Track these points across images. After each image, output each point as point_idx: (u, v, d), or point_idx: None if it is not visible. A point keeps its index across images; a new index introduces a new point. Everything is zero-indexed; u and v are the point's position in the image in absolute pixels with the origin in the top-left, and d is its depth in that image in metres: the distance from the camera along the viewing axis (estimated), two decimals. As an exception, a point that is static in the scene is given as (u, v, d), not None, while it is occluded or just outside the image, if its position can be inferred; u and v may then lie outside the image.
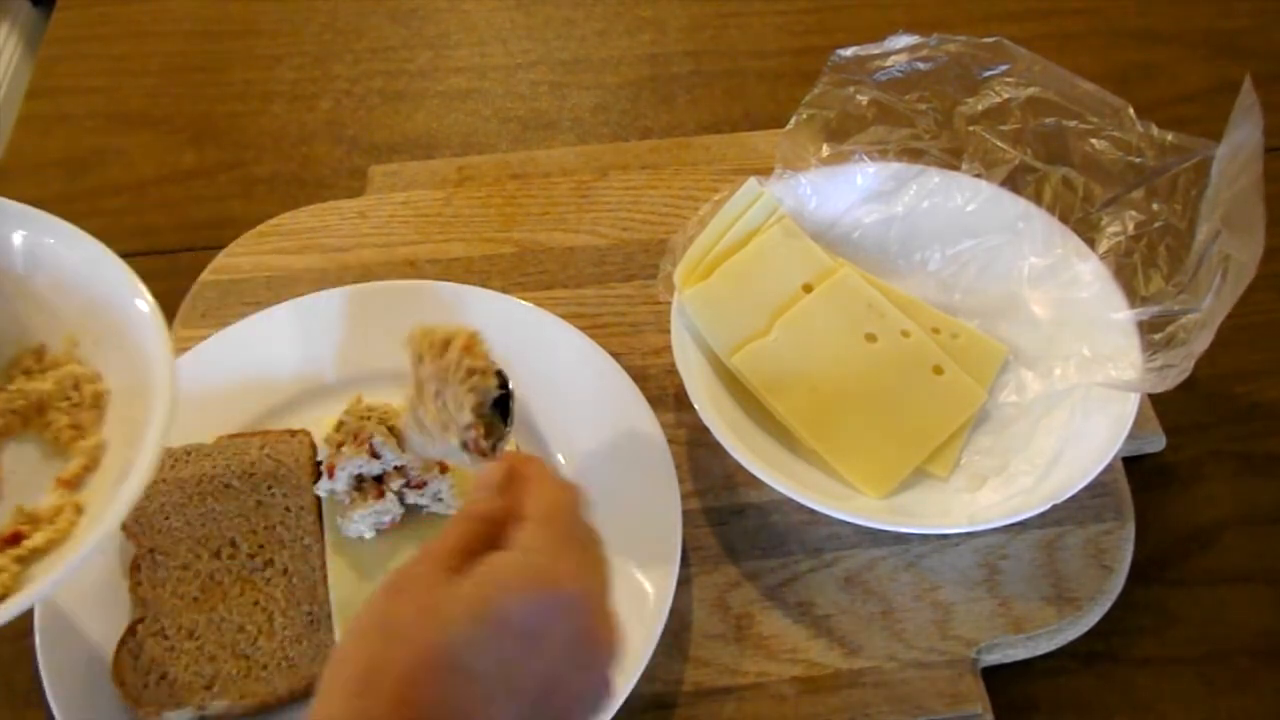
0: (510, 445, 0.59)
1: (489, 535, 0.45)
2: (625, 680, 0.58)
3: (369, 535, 0.63)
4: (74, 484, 0.57)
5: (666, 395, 0.72)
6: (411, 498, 0.62)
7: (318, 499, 0.65)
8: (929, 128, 0.74)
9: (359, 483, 0.62)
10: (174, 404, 0.53)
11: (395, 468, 0.61)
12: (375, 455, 0.61)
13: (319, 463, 0.65)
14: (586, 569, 0.45)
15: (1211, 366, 0.64)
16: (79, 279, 0.59)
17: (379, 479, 0.62)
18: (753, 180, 0.73)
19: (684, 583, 0.65)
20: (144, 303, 0.56)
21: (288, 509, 0.65)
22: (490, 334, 0.71)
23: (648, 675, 0.59)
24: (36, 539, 0.53)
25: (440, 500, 0.62)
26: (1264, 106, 0.63)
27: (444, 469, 0.63)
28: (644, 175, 0.86)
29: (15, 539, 0.54)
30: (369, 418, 0.62)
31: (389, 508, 0.61)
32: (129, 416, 0.56)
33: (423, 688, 0.40)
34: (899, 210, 0.75)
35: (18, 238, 0.59)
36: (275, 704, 0.59)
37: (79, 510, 0.55)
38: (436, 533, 0.46)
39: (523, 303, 0.73)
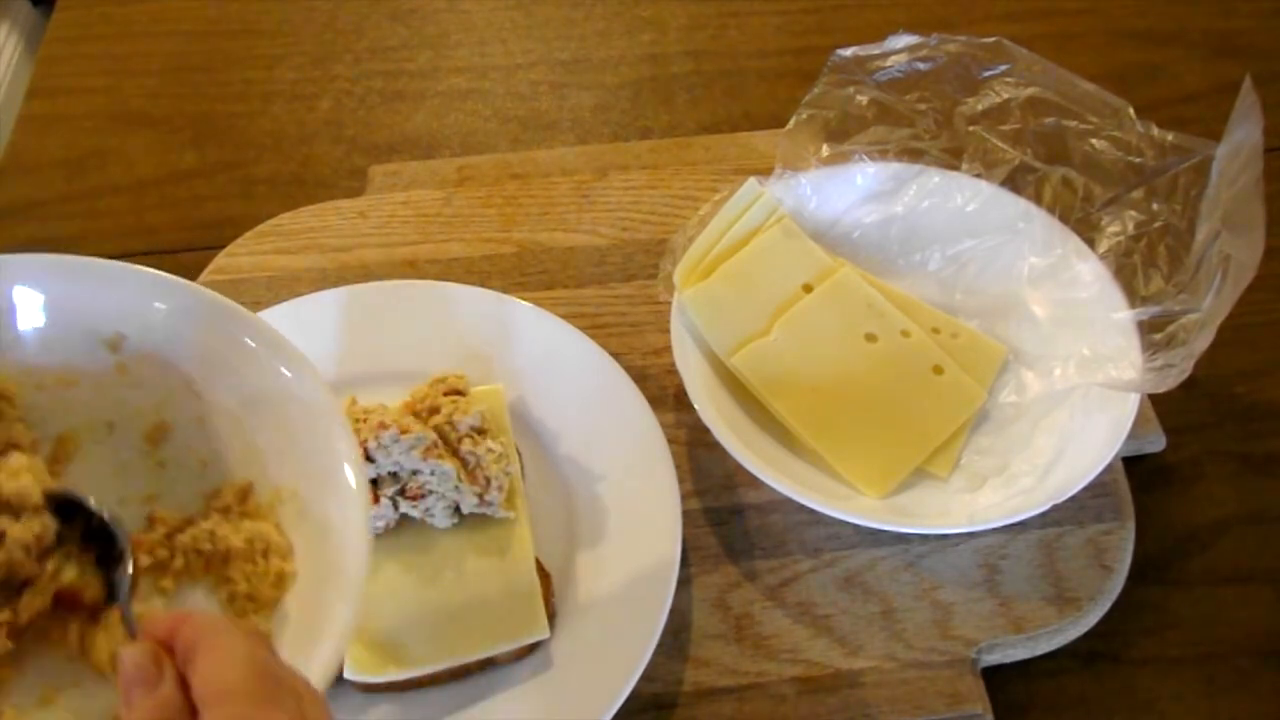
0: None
1: None
2: (626, 680, 0.58)
3: None
4: None
5: (666, 395, 0.72)
6: (405, 507, 0.62)
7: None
8: (929, 128, 0.74)
9: (353, 485, 0.62)
10: (349, 633, 0.46)
11: (389, 473, 0.61)
12: (369, 459, 0.61)
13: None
14: None
15: (1211, 366, 0.65)
16: (304, 434, 0.52)
17: (374, 483, 0.61)
18: (753, 180, 0.73)
19: (684, 583, 0.65)
20: (353, 481, 0.49)
21: (288, 509, 0.65)
22: (490, 334, 0.72)
23: (648, 675, 0.59)
24: None
25: (433, 516, 0.62)
26: (1264, 106, 0.63)
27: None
28: (644, 175, 0.86)
29: None
30: (364, 420, 0.62)
31: (383, 513, 0.61)
32: (302, 618, 0.50)
33: None
34: (899, 210, 0.75)
35: (256, 355, 0.53)
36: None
37: None
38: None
39: (523, 303, 0.73)
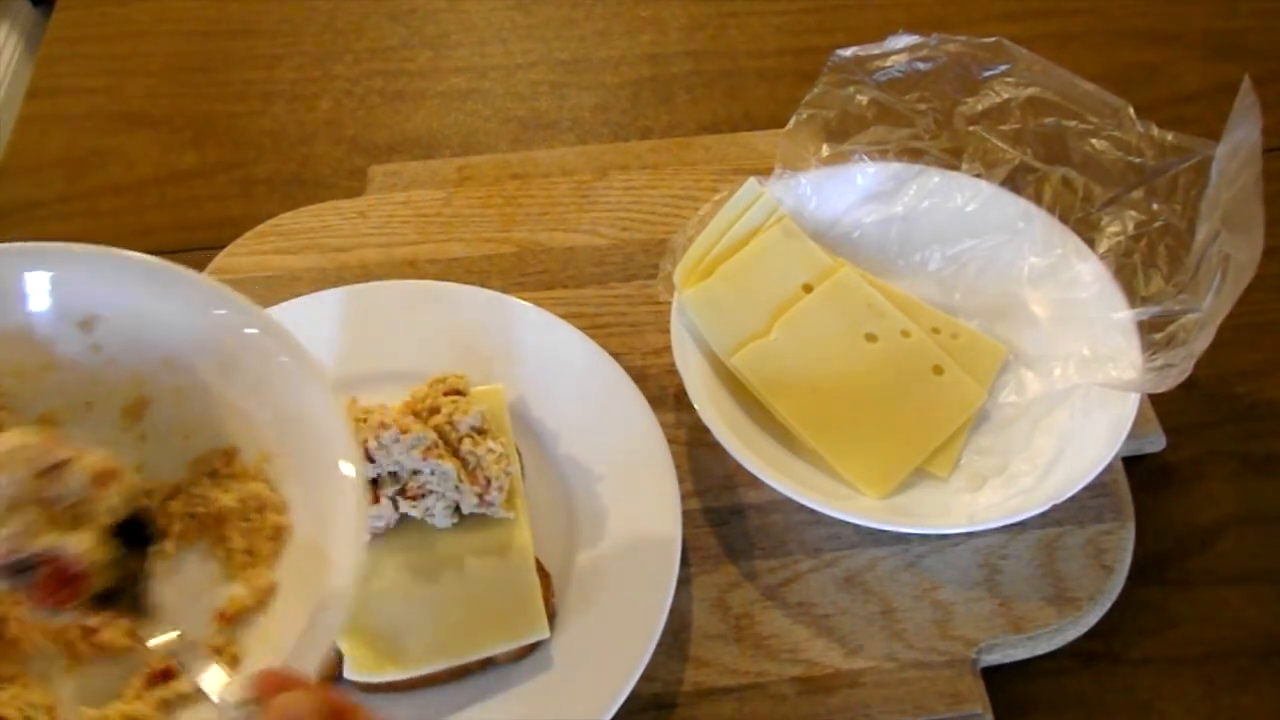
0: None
1: None
2: (626, 680, 0.58)
3: None
4: (234, 620, 0.52)
5: (666, 395, 0.72)
6: (405, 507, 0.62)
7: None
8: (929, 128, 0.74)
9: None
10: (353, 593, 0.47)
11: (390, 473, 0.61)
12: (369, 459, 0.61)
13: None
14: None
15: (1211, 366, 0.65)
16: (283, 392, 0.53)
17: (374, 482, 0.61)
18: (753, 180, 0.73)
19: (684, 583, 0.65)
20: (349, 468, 0.50)
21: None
22: (490, 334, 0.72)
23: (648, 675, 0.59)
24: (185, 684, 0.48)
25: (433, 516, 0.62)
26: (1264, 106, 0.63)
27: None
28: (644, 175, 0.86)
29: (166, 676, 0.48)
30: (364, 420, 0.62)
31: (383, 513, 0.61)
32: (306, 571, 0.51)
33: None
34: (899, 210, 0.75)
35: (228, 323, 0.53)
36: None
37: (235, 662, 0.50)
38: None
39: (523, 303, 0.73)
